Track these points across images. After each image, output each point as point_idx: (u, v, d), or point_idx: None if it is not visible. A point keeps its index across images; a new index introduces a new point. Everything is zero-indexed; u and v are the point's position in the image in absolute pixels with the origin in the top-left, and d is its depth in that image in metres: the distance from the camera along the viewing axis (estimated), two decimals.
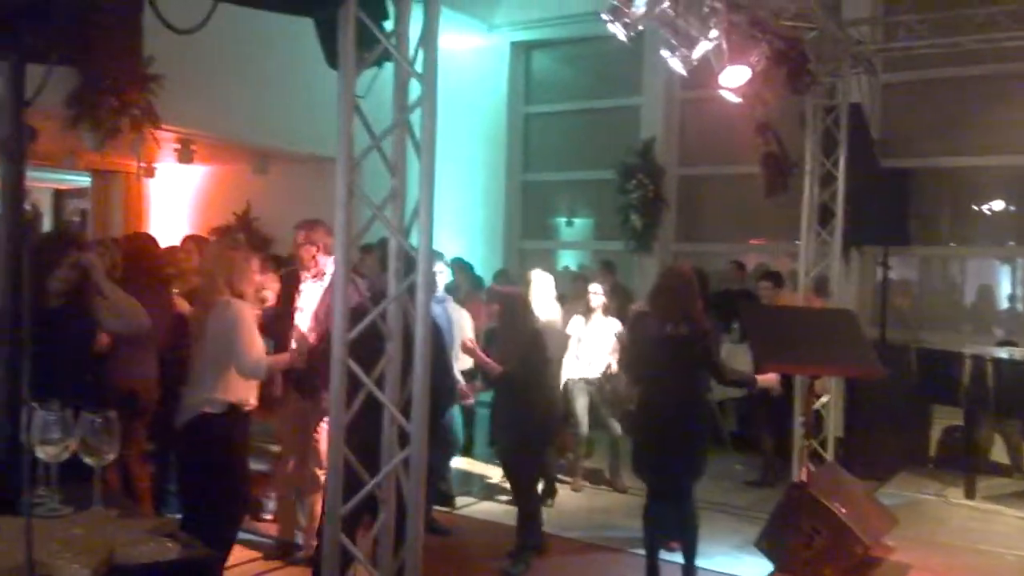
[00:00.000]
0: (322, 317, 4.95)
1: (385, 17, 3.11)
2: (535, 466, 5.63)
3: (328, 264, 5.08)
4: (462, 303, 6.85)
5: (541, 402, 5.36)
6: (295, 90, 7.71)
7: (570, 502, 6.85)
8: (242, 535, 4.86)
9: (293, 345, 4.78)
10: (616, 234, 10.21)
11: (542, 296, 6.61)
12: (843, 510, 4.87)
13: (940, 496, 7.14)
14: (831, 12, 7.06)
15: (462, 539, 5.84)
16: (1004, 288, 9.00)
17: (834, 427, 7.03)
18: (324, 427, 4.87)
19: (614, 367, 6.89)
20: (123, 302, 4.16)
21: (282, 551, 5.36)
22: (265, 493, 5.93)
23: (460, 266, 8.88)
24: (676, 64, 5.68)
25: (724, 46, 5.69)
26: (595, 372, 6.90)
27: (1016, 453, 7.53)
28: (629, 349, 6.40)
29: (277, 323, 4.99)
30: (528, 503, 5.48)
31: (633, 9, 5.11)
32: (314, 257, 5.16)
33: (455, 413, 6.22)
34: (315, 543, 4.67)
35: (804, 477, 5.19)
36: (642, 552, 5.12)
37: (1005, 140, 8.47)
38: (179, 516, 4.34)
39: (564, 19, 9.52)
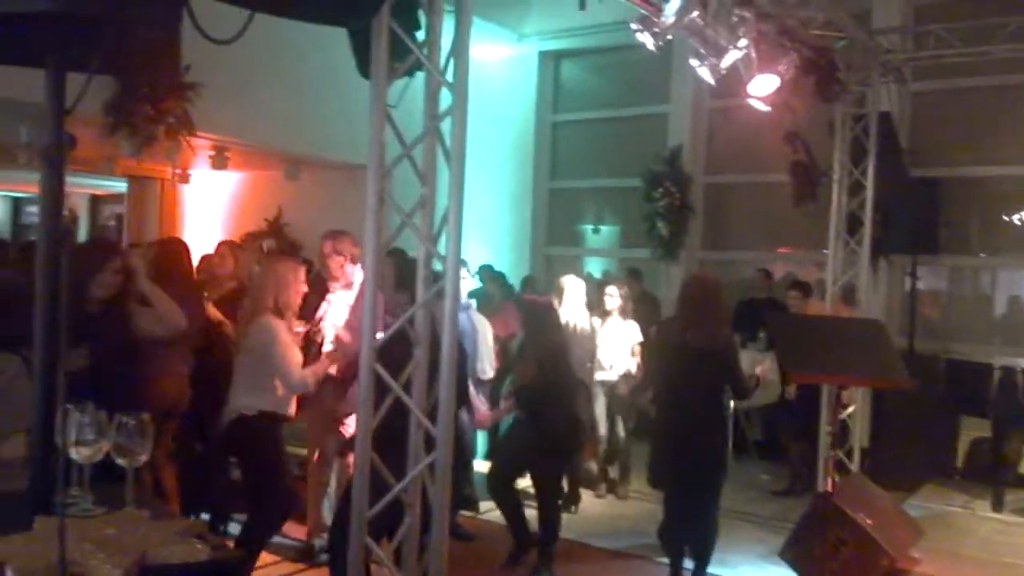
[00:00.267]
0: (356, 326, 5.01)
1: (417, 28, 3.16)
2: (559, 475, 5.63)
3: (355, 273, 5.14)
4: (495, 312, 6.89)
5: (564, 410, 5.36)
6: (328, 99, 7.81)
7: (594, 509, 6.85)
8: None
9: (325, 350, 4.86)
10: (642, 242, 10.20)
11: (574, 302, 6.65)
12: (869, 521, 4.84)
13: (967, 508, 7.07)
14: (860, 21, 7.04)
15: (487, 544, 5.87)
16: None
17: (860, 437, 6.98)
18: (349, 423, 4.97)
19: (631, 371, 6.87)
20: (163, 304, 4.26)
21: (306, 553, 5.42)
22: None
23: (492, 275, 8.89)
24: (705, 73, 5.68)
25: (753, 55, 5.69)
26: (612, 375, 6.89)
27: None
28: (652, 357, 6.37)
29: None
30: (550, 511, 5.47)
31: (662, 19, 5.13)
32: (342, 267, 5.21)
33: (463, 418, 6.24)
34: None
35: (830, 487, 5.17)
36: (666, 561, 5.12)
37: None
38: (207, 517, 4.45)
39: (593, 29, 9.53)
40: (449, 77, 3.14)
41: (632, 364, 6.87)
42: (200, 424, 5.31)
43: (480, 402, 6.04)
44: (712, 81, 5.74)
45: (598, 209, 11.63)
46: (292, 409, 4.66)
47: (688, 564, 5.07)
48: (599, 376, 6.87)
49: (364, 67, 3.10)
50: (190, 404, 5.09)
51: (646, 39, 5.28)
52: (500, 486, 5.45)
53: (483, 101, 6.09)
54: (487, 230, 10.27)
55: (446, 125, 3.15)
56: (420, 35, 3.16)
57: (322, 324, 5.20)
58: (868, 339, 5.11)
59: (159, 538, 1.90)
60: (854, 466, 6.76)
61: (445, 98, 3.16)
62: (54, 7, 2.01)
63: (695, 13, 5.20)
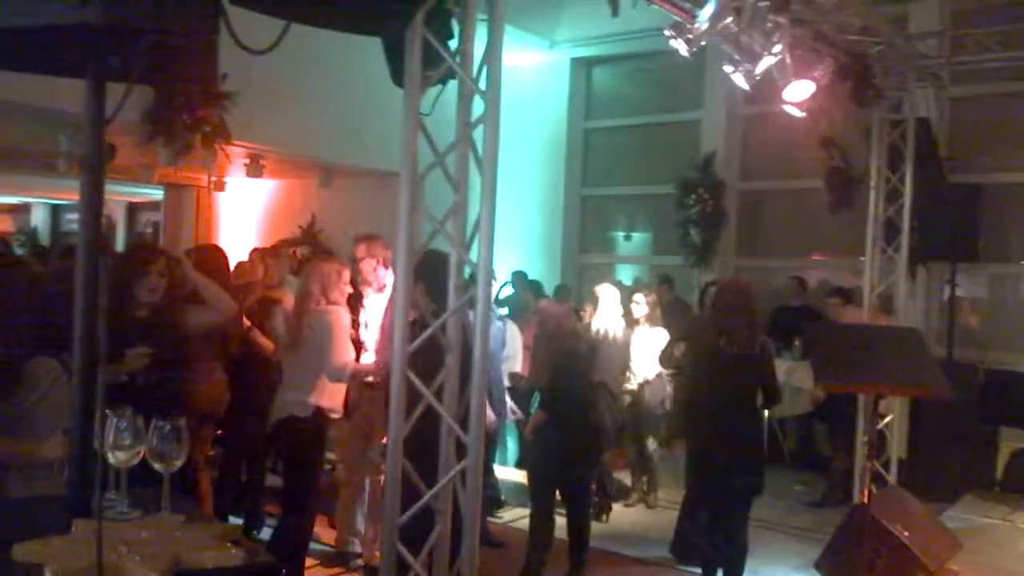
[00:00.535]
0: (388, 331, 5.04)
1: (450, 36, 3.17)
2: (587, 483, 5.57)
3: (387, 277, 5.17)
4: (528, 321, 6.90)
5: (583, 417, 5.29)
6: (361, 107, 7.87)
7: (624, 517, 6.82)
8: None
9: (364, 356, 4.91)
10: (675, 249, 10.15)
11: (608, 311, 6.63)
12: (906, 533, 4.76)
13: (1007, 521, 6.92)
14: (897, 26, 6.95)
15: (517, 552, 5.85)
16: None
17: (897, 448, 6.88)
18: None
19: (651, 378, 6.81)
20: (212, 290, 4.33)
21: (340, 558, 5.44)
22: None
23: (526, 283, 8.88)
24: (739, 79, 5.65)
25: (788, 61, 5.65)
26: (636, 383, 6.85)
27: None
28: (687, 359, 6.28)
29: None
30: (581, 520, 5.43)
31: (696, 25, 5.11)
32: (374, 270, 5.24)
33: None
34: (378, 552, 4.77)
35: (866, 498, 5.10)
36: (694, 570, 5.08)
37: None
38: (241, 522, 4.50)
39: (625, 35, 9.50)
40: (481, 85, 3.15)
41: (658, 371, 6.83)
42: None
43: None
44: (747, 87, 5.71)
45: (630, 216, 11.60)
46: (341, 407, 4.71)
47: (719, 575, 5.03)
48: (629, 385, 6.83)
49: (398, 75, 3.12)
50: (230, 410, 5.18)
51: (679, 45, 5.26)
52: (545, 507, 5.33)
53: (515, 108, 6.11)
54: (518, 237, 10.29)
55: (478, 133, 3.15)
56: (453, 43, 3.17)
57: (361, 328, 5.24)
58: (905, 347, 5.03)
59: (194, 542, 1.91)
60: (891, 477, 6.66)
61: (477, 106, 3.17)
62: (95, 18, 2.04)
63: (729, 19, 5.18)
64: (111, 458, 2.08)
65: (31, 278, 4.21)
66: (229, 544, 1.95)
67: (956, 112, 8.62)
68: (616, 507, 6.87)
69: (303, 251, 9.00)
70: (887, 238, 6.99)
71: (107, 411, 2.08)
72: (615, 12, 5.17)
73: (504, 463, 7.75)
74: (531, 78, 10.85)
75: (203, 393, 4.91)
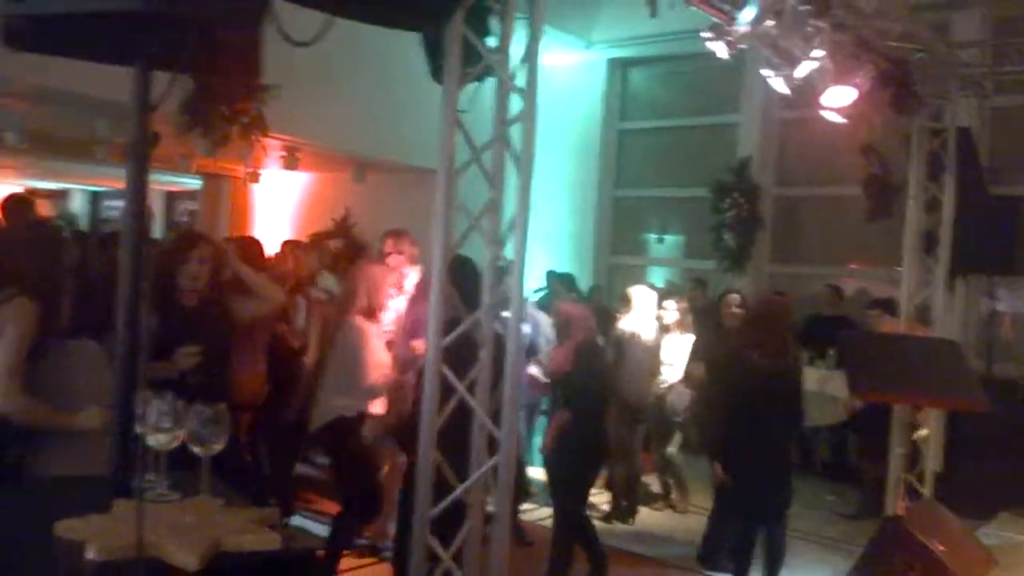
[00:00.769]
0: (408, 330, 5.03)
1: (488, 34, 3.18)
2: (578, 485, 5.33)
3: (412, 276, 5.21)
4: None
5: (586, 421, 5.15)
6: (398, 102, 7.91)
7: (651, 520, 6.79)
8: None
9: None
10: (708, 252, 10.08)
11: (641, 313, 6.60)
12: (940, 548, 4.69)
13: None
14: (939, 33, 6.85)
15: (545, 550, 5.84)
16: None
17: (933, 461, 6.78)
18: None
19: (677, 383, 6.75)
20: (256, 279, 4.34)
21: (372, 550, 5.46)
22: None
23: (559, 277, 8.84)
24: (778, 83, 5.60)
25: (828, 66, 5.58)
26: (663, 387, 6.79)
27: None
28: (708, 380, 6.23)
29: None
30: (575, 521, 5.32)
31: (735, 27, 5.07)
32: (401, 265, 5.27)
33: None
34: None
35: (900, 511, 5.03)
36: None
37: None
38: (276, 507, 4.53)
39: (662, 36, 9.45)
40: (519, 83, 3.15)
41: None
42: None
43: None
44: (786, 91, 5.66)
45: (663, 219, 11.54)
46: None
47: None
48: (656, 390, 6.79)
49: (436, 72, 3.14)
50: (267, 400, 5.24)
51: (718, 48, 5.21)
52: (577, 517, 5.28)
53: (550, 107, 6.08)
54: (550, 237, 10.27)
55: (515, 130, 3.16)
56: (491, 41, 3.18)
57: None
58: (942, 359, 4.97)
59: (233, 526, 1.93)
60: (926, 490, 6.58)
61: (514, 103, 3.18)
62: (143, 6, 2.07)
63: (769, 22, 5.13)
64: (151, 440, 2.10)
65: (76, 259, 4.22)
66: (268, 529, 1.97)
67: (998, 122, 8.49)
68: (643, 510, 6.84)
69: (336, 244, 9.04)
70: (926, 249, 6.89)
71: (148, 392, 2.10)
72: (653, 12, 5.14)
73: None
74: (567, 78, 10.83)
75: (245, 384, 4.93)
